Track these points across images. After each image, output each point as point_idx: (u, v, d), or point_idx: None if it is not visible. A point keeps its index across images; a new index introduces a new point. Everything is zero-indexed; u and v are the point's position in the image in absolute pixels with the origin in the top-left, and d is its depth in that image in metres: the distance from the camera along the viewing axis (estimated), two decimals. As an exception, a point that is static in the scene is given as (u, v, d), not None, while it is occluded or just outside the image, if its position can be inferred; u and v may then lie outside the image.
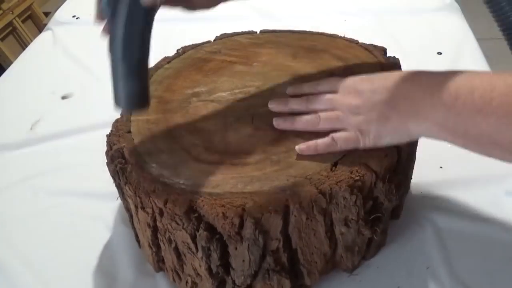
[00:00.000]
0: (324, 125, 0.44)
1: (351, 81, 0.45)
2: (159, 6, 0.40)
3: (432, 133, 0.40)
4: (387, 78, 0.43)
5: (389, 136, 0.42)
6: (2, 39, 1.71)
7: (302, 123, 0.45)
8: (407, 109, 0.40)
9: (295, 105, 0.47)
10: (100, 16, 0.40)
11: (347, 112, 0.43)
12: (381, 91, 0.42)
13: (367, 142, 0.42)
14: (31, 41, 1.04)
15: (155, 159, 0.44)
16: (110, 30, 0.39)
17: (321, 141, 0.43)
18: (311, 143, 0.43)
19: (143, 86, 0.41)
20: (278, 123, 0.46)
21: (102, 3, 0.38)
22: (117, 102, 0.41)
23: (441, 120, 0.38)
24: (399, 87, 0.41)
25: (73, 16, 1.07)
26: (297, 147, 0.44)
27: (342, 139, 0.43)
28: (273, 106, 0.48)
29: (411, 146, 0.48)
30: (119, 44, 0.38)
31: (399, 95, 0.41)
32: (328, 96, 0.45)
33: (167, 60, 0.60)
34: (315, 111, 0.45)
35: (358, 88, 0.44)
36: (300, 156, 0.43)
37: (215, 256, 0.41)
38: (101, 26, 0.41)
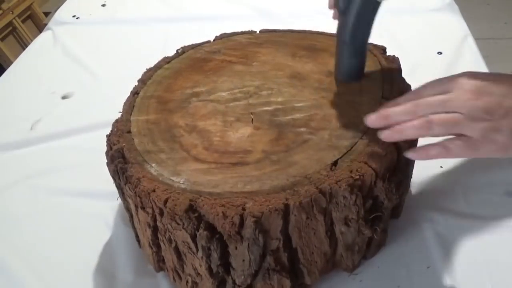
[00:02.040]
0: (438, 131, 0.38)
1: (472, 80, 0.37)
2: None
3: None
4: None
5: None
6: (2, 39, 1.71)
7: (413, 130, 0.39)
8: None
9: (400, 116, 0.39)
10: (334, 6, 0.47)
11: (468, 115, 0.36)
12: None
13: (488, 151, 0.37)
14: (31, 41, 1.04)
15: (155, 159, 0.44)
16: (341, 19, 0.46)
17: (433, 151, 0.39)
18: (422, 150, 0.39)
19: (361, 65, 0.50)
20: (386, 136, 0.40)
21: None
22: (339, 75, 0.51)
23: None
24: None
25: (73, 16, 1.07)
26: (409, 154, 0.41)
27: (458, 147, 0.37)
28: (372, 121, 0.41)
29: (411, 145, 0.48)
30: (348, 32, 0.46)
31: None
32: (440, 97, 0.38)
33: (166, 60, 0.60)
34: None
35: (484, 89, 0.36)
36: (301, 155, 0.43)
37: (215, 255, 0.41)
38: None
